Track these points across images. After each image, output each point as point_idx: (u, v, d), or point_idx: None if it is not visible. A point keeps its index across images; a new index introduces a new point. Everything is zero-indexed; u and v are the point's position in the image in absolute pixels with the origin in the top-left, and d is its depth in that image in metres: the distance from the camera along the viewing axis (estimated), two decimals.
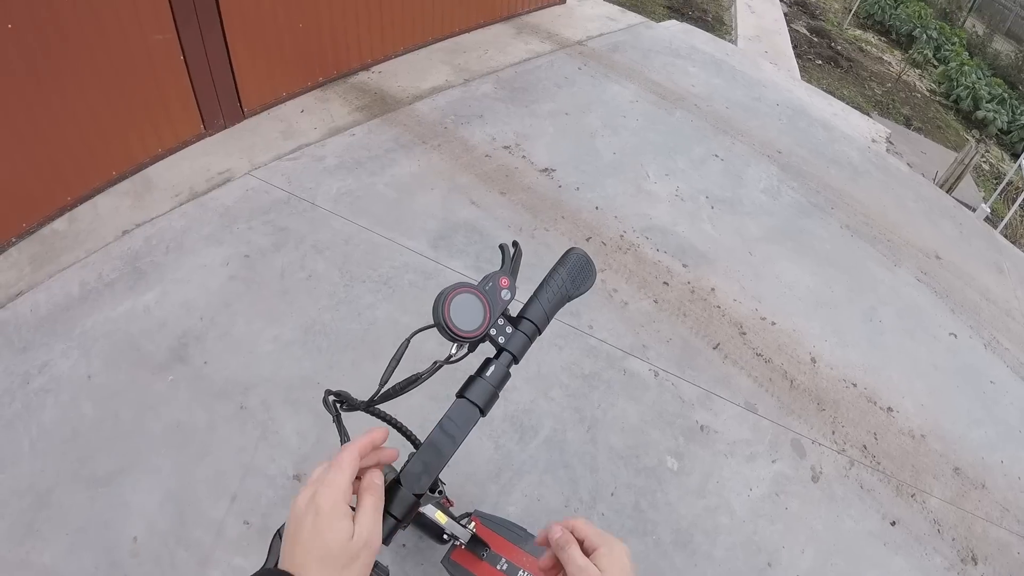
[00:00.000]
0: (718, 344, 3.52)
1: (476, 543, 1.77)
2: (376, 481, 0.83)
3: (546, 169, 4.46)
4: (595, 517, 2.65)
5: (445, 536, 1.81)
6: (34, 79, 3.18)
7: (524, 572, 1.67)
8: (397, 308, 3.30)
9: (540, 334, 1.06)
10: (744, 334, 3.62)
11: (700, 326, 3.59)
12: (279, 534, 0.84)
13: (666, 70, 5.99)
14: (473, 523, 1.93)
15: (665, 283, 3.79)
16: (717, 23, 9.35)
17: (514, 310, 1.04)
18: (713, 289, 3.84)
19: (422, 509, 1.72)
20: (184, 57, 3.85)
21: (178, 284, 3.25)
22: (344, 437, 1.06)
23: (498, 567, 1.59)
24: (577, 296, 1.11)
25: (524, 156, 4.53)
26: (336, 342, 3.10)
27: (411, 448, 1.09)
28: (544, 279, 1.08)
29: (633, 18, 7.07)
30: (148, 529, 2.41)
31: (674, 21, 7.57)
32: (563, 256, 1.12)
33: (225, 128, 4.32)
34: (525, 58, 5.65)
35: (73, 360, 2.87)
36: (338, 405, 1.08)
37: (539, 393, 3.04)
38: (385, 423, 1.20)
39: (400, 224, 3.77)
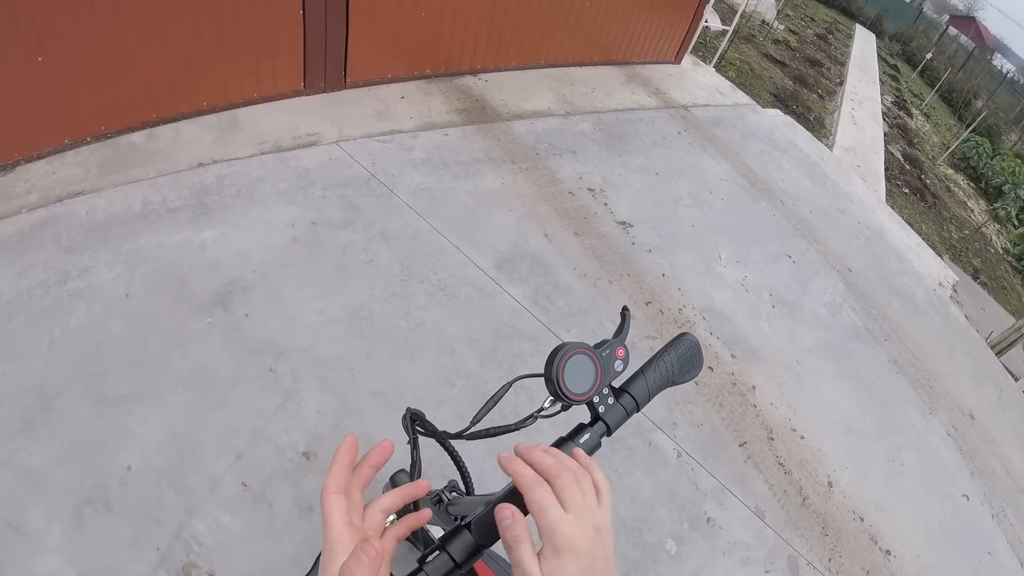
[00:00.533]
0: (745, 442, 3.44)
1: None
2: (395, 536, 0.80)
3: (624, 222, 4.40)
4: None
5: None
6: None
7: None
8: (447, 317, 3.24)
9: (638, 411, 1.00)
10: (772, 439, 3.54)
11: (733, 420, 3.51)
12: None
13: (761, 158, 5.93)
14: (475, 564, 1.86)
15: (710, 368, 3.71)
16: (818, 124, 9.28)
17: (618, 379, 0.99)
18: (754, 387, 3.75)
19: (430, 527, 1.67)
20: (304, 12, 3.84)
21: (240, 231, 3.22)
22: (416, 463, 1.03)
23: None
24: (681, 383, 1.05)
25: (606, 204, 4.48)
26: (379, 333, 3.04)
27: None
28: (653, 358, 1.02)
29: (741, 97, 7.02)
30: (144, 462, 2.35)
31: (778, 111, 7.52)
32: (675, 339, 1.06)
33: (324, 92, 4.31)
34: (629, 107, 5.62)
35: (115, 274, 2.84)
36: (416, 427, 1.05)
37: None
38: (452, 459, 1.18)
39: (471, 235, 3.73)
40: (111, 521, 2.22)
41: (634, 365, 1.02)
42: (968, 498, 3.95)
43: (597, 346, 0.95)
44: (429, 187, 3.91)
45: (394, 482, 1.89)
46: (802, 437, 3.65)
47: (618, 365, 0.96)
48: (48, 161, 3.24)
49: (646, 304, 3.88)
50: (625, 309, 1.05)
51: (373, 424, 2.67)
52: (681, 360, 1.04)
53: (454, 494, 1.84)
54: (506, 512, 0.76)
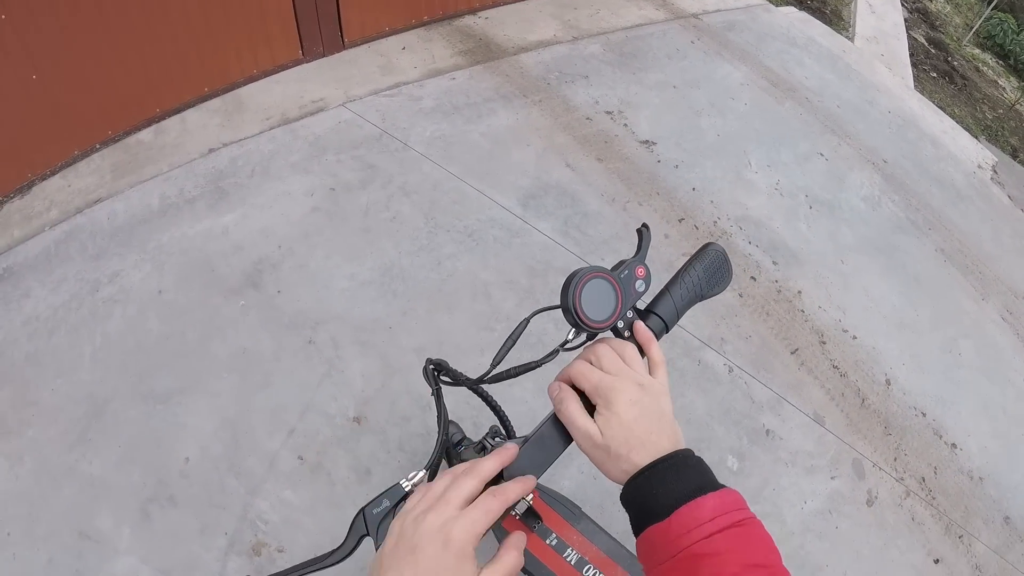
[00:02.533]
0: (796, 349, 3.36)
1: (530, 515, 1.66)
2: (520, 544, 0.74)
3: (647, 141, 4.24)
4: None
5: None
6: None
7: (572, 550, 1.56)
8: (478, 262, 3.18)
9: (668, 332, 0.93)
10: (824, 343, 3.45)
11: (782, 328, 3.42)
12: (363, 515, 0.79)
13: (780, 57, 5.66)
14: (531, 494, 1.82)
15: (753, 278, 3.59)
16: (835, 17, 8.88)
17: (643, 300, 0.93)
18: (800, 292, 3.64)
19: None
20: None
21: (259, 209, 3.19)
22: (443, 415, 0.98)
23: (547, 541, 1.49)
24: (711, 296, 0.98)
25: (626, 124, 4.32)
26: (413, 288, 3.00)
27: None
28: (678, 273, 0.96)
29: None
30: (201, 452, 2.37)
31: (793, 8, 7.18)
32: (700, 251, 0.98)
33: (323, 56, 4.20)
34: (637, 23, 5.39)
35: (145, 273, 2.84)
36: (439, 376, 0.99)
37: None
38: (485, 403, 1.16)
39: (491, 177, 3.63)
40: (177, 514, 2.26)
41: (662, 282, 0.95)
42: None
43: (615, 268, 0.88)
44: (443, 134, 3.80)
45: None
46: (854, 337, 3.55)
47: (639, 285, 0.90)
48: (62, 175, 3.24)
49: (679, 221, 3.75)
50: (644, 226, 0.96)
51: (418, 380, 2.65)
52: (708, 272, 0.97)
53: (497, 439, 1.78)
54: (553, 386, 0.83)
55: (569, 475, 2.54)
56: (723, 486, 0.74)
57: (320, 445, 2.44)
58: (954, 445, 3.29)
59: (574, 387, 0.82)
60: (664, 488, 0.73)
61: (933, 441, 3.26)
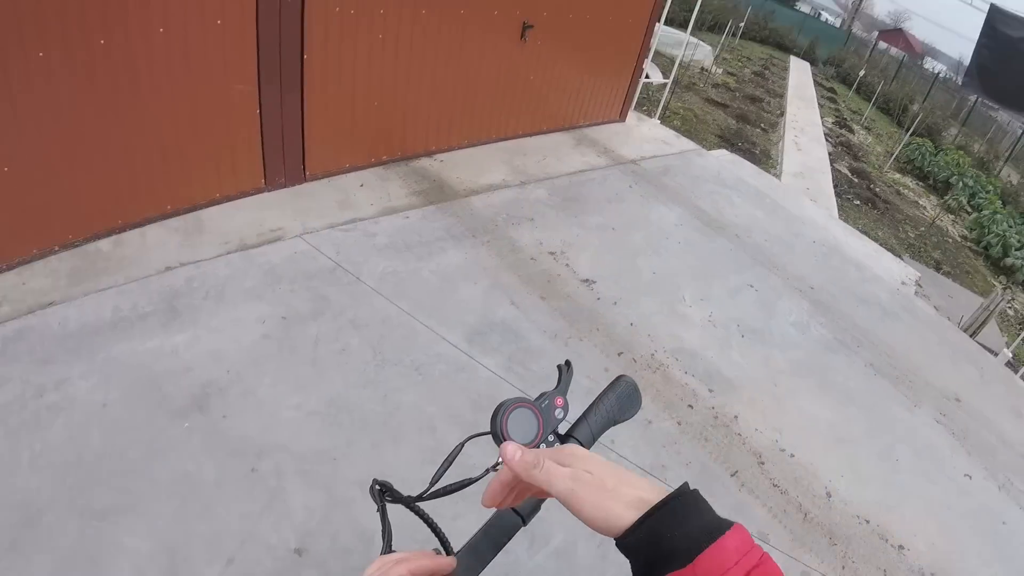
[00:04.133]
0: (736, 472, 3.41)
1: None
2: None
3: (587, 280, 4.43)
4: None
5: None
6: (112, 97, 3.22)
7: None
8: (425, 397, 3.22)
9: None
10: (763, 464, 3.51)
11: (720, 452, 3.48)
12: None
13: (712, 198, 6.01)
14: None
15: (690, 406, 3.68)
16: (764, 156, 9.46)
17: (563, 426, 1.03)
18: (736, 416, 3.73)
19: None
20: (260, 112, 3.92)
21: (211, 332, 3.21)
22: (387, 530, 1.02)
23: None
24: (622, 421, 1.08)
25: (568, 264, 4.51)
26: (359, 420, 3.01)
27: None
28: (593, 402, 1.07)
29: (686, 144, 7.16)
30: (136, 574, 2.28)
31: (724, 151, 7.67)
32: (613, 382, 1.10)
33: (284, 187, 4.36)
34: (580, 169, 5.72)
35: (92, 384, 2.81)
36: (384, 495, 1.04)
37: (553, 503, 2.90)
38: (424, 521, 1.14)
39: (439, 313, 3.74)
40: None
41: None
42: (970, 477, 3.92)
43: (538, 398, 0.98)
44: (394, 270, 3.93)
45: None
46: (792, 455, 3.62)
47: (558, 413, 0.99)
48: (18, 272, 3.23)
49: (619, 355, 3.88)
50: (565, 363, 1.08)
51: (362, 514, 2.62)
52: (620, 400, 1.08)
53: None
54: (510, 448, 0.76)
55: None
56: (731, 522, 0.65)
57: None
58: (901, 547, 3.29)
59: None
60: (682, 529, 0.63)
61: (880, 545, 3.27)
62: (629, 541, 0.64)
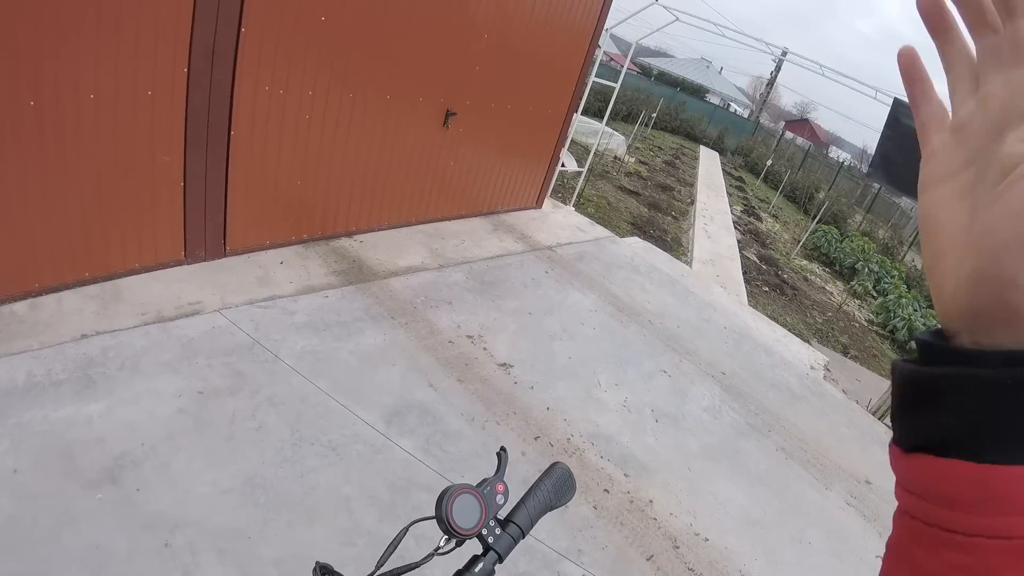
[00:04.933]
0: (652, 556, 3.49)
1: None
2: None
3: (504, 364, 4.57)
4: None
5: None
6: (37, 158, 3.25)
7: None
8: (341, 477, 3.25)
9: (524, 537, 1.14)
10: (678, 548, 3.61)
11: (636, 536, 3.58)
12: None
13: (625, 284, 6.31)
14: None
15: (606, 490, 3.81)
16: (675, 244, 9.93)
17: (503, 511, 1.13)
18: (651, 501, 3.85)
19: None
20: (184, 183, 3.99)
21: (126, 404, 3.19)
22: None
23: None
24: (559, 506, 1.20)
25: (485, 348, 4.66)
26: (275, 499, 3.02)
27: None
28: (531, 488, 1.18)
29: (600, 231, 7.53)
30: None
31: (637, 238, 8.05)
32: (548, 469, 1.22)
33: (204, 260, 4.40)
34: (498, 254, 5.95)
35: (2, 449, 2.77)
36: None
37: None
38: None
39: (357, 393, 3.80)
40: None
41: (517, 495, 1.17)
42: (880, 557, 4.05)
43: (479, 485, 1.10)
44: (313, 349, 4.00)
45: None
46: (706, 539, 3.74)
47: (499, 499, 1.10)
48: None
49: (535, 439, 4.00)
50: (502, 449, 1.21)
51: None
52: (556, 486, 1.20)
53: None
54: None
55: None
56: None
57: None
58: None
59: None
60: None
61: None
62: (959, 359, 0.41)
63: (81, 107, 3.32)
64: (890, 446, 0.47)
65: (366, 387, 3.88)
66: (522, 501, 1.16)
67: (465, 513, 1.03)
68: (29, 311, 3.51)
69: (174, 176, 3.95)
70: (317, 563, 1.11)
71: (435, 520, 1.03)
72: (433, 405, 3.95)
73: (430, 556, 1.07)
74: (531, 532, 1.14)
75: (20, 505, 2.61)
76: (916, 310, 11.61)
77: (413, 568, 1.07)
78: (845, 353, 9.41)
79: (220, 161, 4.15)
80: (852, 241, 14.88)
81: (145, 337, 3.62)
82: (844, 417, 5.81)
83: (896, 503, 0.47)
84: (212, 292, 4.16)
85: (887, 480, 4.93)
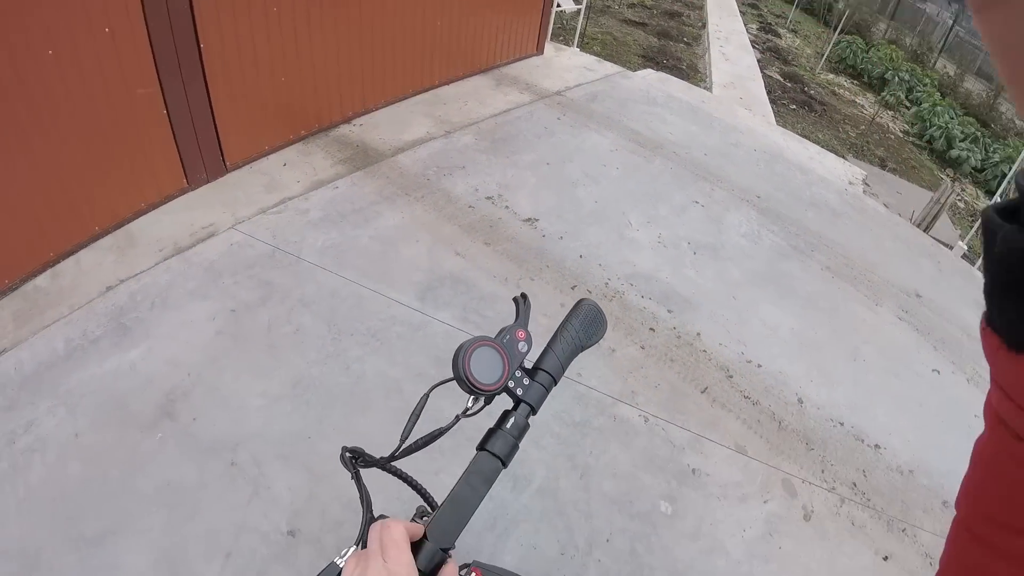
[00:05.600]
0: (706, 388, 3.57)
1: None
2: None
3: (529, 219, 4.55)
4: (591, 564, 2.68)
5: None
6: (14, 132, 3.21)
7: None
8: (386, 361, 3.33)
9: (556, 384, 1.08)
10: (731, 377, 3.67)
11: (687, 371, 3.64)
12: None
13: (644, 119, 6.14)
14: (474, 574, 1.93)
15: (651, 329, 3.85)
16: (692, 71, 9.61)
17: (530, 359, 1.08)
18: (699, 334, 3.89)
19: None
20: (167, 111, 3.91)
21: (164, 340, 3.26)
22: (364, 495, 1.08)
23: None
24: (590, 346, 1.13)
25: (507, 206, 4.62)
26: (325, 396, 3.11)
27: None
28: (557, 330, 1.11)
29: (609, 68, 7.25)
30: None
31: (649, 70, 7.76)
32: (575, 307, 1.14)
33: (208, 182, 4.37)
34: (505, 109, 5.79)
35: (59, 418, 2.86)
36: (355, 462, 1.09)
37: (531, 442, 3.07)
38: (402, 480, 1.20)
39: (386, 277, 3.82)
40: None
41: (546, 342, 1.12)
42: (939, 372, 4.14)
43: (497, 336, 1.03)
44: (333, 243, 4.00)
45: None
46: (759, 366, 3.80)
47: (522, 347, 1.04)
48: None
49: (572, 288, 4.03)
50: (522, 295, 1.13)
51: (346, 485, 2.70)
52: (584, 324, 1.12)
53: (424, 519, 1.92)
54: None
55: (509, 549, 2.65)
56: None
57: (259, 564, 2.49)
58: (877, 446, 3.48)
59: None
60: None
61: (856, 447, 3.45)
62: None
63: (43, 66, 3.22)
64: (983, 329, 0.39)
65: (394, 269, 3.90)
66: (549, 346, 1.09)
67: (485, 367, 0.97)
68: (51, 281, 3.55)
69: (156, 107, 3.86)
70: (344, 447, 1.09)
71: (454, 381, 0.97)
72: (464, 273, 3.97)
73: (456, 420, 1.02)
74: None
75: (89, 466, 2.73)
76: (952, 118, 11.26)
77: (440, 435, 1.02)
78: (883, 166, 9.21)
79: (197, 79, 4.03)
80: (879, 50, 14.29)
81: (168, 272, 3.66)
82: (888, 231, 5.73)
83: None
84: (222, 211, 4.14)
85: (937, 292, 4.98)
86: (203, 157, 4.28)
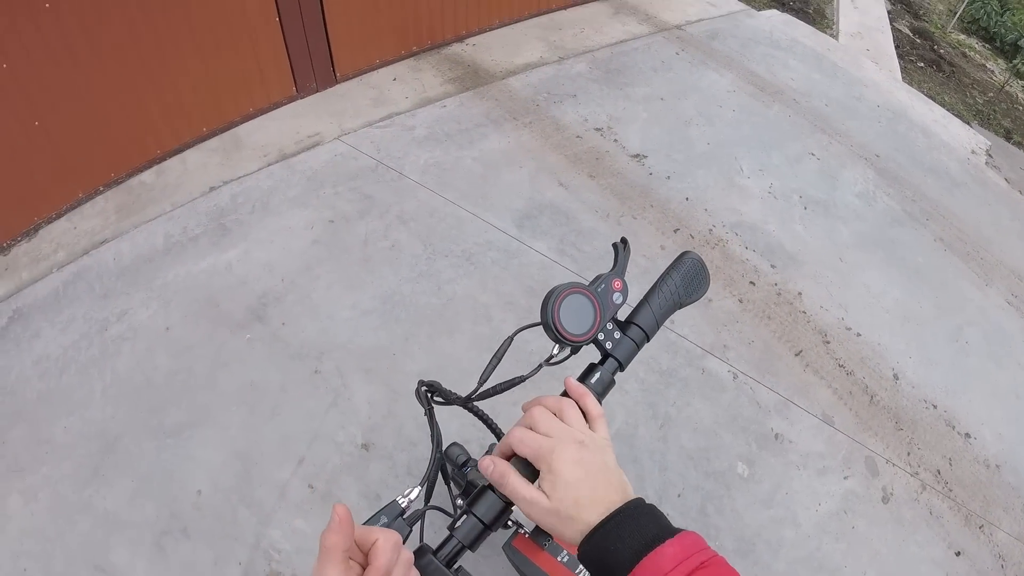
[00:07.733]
0: (800, 351, 3.35)
1: (540, 532, 1.69)
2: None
3: (637, 155, 4.29)
4: None
5: (510, 522, 1.74)
6: (126, 29, 3.18)
7: (583, 570, 1.57)
8: (477, 285, 3.23)
9: (648, 341, 0.97)
10: (828, 343, 3.44)
11: (784, 330, 3.42)
12: None
13: (765, 62, 5.72)
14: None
15: (752, 283, 3.61)
16: (818, 16, 8.94)
17: (623, 312, 0.96)
18: (800, 293, 3.65)
19: None
20: (279, 19, 3.82)
21: (261, 244, 3.26)
22: (435, 433, 1.02)
23: (559, 558, 1.50)
24: (689, 303, 1.02)
25: (616, 140, 4.37)
26: (414, 314, 3.05)
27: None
28: (656, 283, 1.00)
29: (734, 5, 6.77)
30: (212, 484, 2.41)
31: (775, 11, 7.24)
32: (677, 259, 1.03)
33: (317, 92, 4.30)
34: (621, 39, 5.46)
35: (152, 311, 2.90)
36: (431, 397, 1.04)
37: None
38: (478, 418, 1.17)
39: (486, 200, 3.70)
40: (191, 546, 2.28)
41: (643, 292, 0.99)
42: None
43: (592, 282, 0.93)
44: (436, 161, 3.88)
45: (448, 456, 1.87)
46: (858, 334, 3.54)
47: (617, 298, 0.94)
48: (68, 218, 3.33)
49: (675, 232, 3.79)
50: (622, 240, 1.01)
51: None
52: (685, 279, 1.01)
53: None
54: (485, 462, 0.81)
55: None
56: (680, 530, 0.72)
57: (329, 473, 2.48)
58: (968, 435, 3.24)
59: (516, 455, 0.82)
60: (622, 543, 0.71)
61: (946, 432, 3.22)
62: (580, 555, 0.73)
63: None
64: None
65: (494, 193, 3.76)
66: (645, 299, 0.98)
67: (576, 316, 0.87)
68: (156, 177, 3.58)
69: (268, 13, 3.76)
70: (420, 381, 1.04)
71: (541, 326, 0.88)
72: (565, 204, 3.80)
73: (539, 368, 0.93)
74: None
75: (177, 359, 2.75)
76: None
77: (520, 381, 0.94)
78: (1008, 138, 8.46)
79: None
80: (1015, 15, 13.04)
81: (270, 177, 3.63)
82: (1007, 208, 5.18)
83: None
84: (329, 121, 4.08)
85: None
86: (313, 66, 4.19)
